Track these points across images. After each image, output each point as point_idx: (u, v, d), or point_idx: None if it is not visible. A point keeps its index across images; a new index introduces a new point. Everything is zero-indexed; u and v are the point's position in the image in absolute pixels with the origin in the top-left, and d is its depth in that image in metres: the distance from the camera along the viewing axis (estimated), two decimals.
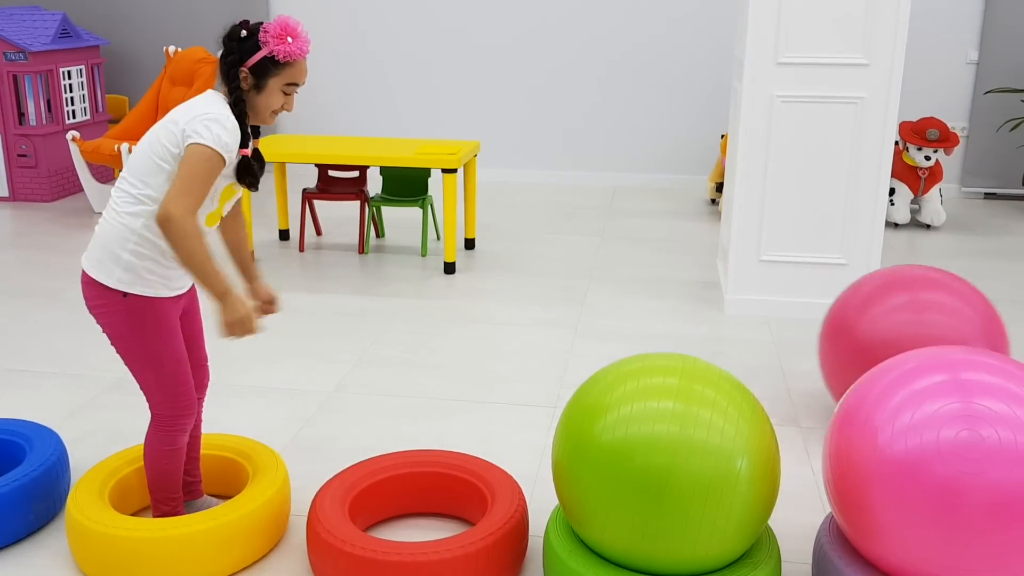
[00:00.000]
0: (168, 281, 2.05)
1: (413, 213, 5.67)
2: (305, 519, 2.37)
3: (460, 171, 5.74)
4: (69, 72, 5.99)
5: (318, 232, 5.22)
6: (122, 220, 2.00)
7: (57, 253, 4.84)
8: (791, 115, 3.76)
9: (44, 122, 5.82)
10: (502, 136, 6.65)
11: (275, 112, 2.06)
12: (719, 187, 5.79)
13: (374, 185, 5.63)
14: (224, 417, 2.99)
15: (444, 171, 4.40)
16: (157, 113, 5.72)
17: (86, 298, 2.07)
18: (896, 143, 5.54)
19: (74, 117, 6.03)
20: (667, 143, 6.51)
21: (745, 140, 3.82)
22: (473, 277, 4.50)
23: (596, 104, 6.51)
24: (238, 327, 2.00)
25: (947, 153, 5.37)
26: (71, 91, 6.01)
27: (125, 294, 2.01)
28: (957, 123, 6.16)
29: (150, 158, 1.97)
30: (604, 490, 1.89)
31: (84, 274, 2.06)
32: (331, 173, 5.02)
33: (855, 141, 3.75)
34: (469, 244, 4.95)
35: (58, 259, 4.73)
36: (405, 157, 4.47)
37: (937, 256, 4.96)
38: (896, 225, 5.54)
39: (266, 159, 4.55)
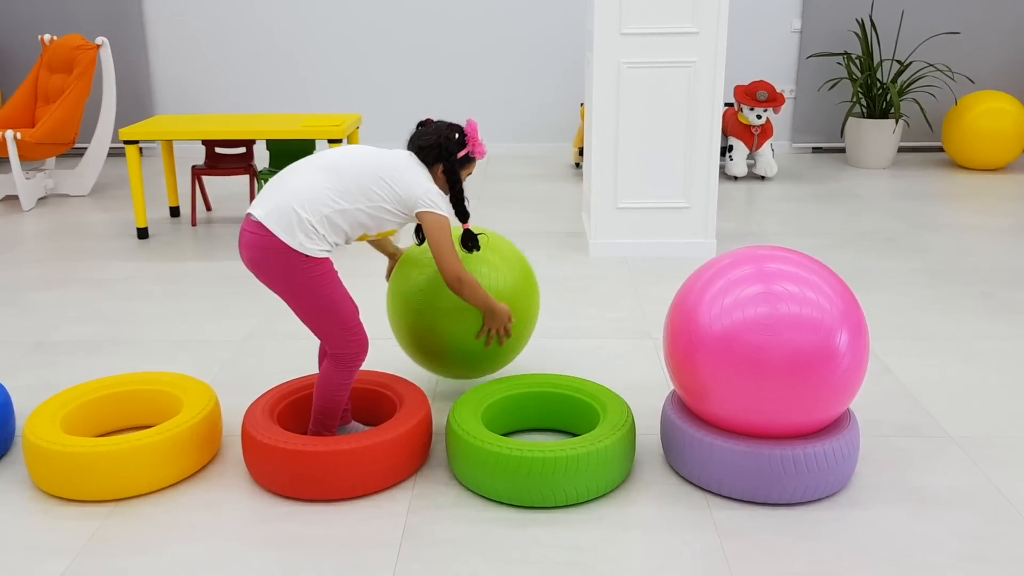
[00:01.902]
0: (331, 251, 2.47)
1: None
2: (237, 439, 2.73)
3: (345, 142, 6.06)
4: None
5: (208, 208, 5.48)
6: (320, 201, 2.40)
7: None
8: (636, 80, 4.30)
9: None
10: (383, 111, 7.01)
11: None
12: (581, 151, 6.34)
13: (262, 160, 5.91)
14: (148, 367, 3.30)
15: (329, 141, 4.76)
16: (36, 101, 5.82)
17: (261, 259, 2.42)
18: (731, 105, 6.22)
19: None
20: (532, 113, 7.02)
21: (598, 103, 4.35)
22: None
23: (466, 78, 6.95)
24: (499, 325, 2.71)
25: (775, 111, 6.07)
26: None
27: (307, 256, 2.38)
28: (785, 85, 6.90)
29: (375, 186, 2.45)
30: None
31: (261, 236, 2.38)
32: (218, 150, 5.29)
33: (690, 100, 4.32)
34: None
35: None
36: (290, 130, 4.80)
37: (771, 201, 5.64)
38: (735, 178, 6.22)
39: (152, 138, 4.81)
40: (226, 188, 5.94)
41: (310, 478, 2.41)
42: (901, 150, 6.97)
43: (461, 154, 2.56)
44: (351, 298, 2.52)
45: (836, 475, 2.42)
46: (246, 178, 5.91)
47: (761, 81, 6.08)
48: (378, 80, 6.97)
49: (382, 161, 2.48)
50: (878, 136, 6.39)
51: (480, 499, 2.44)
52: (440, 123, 2.58)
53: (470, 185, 6.03)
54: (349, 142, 5.21)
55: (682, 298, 2.52)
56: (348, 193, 2.42)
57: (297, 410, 2.70)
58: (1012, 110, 6.19)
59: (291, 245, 2.37)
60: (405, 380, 2.78)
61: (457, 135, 2.56)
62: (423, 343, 2.86)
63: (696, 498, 2.45)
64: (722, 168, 6.41)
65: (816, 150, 7.09)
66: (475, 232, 2.72)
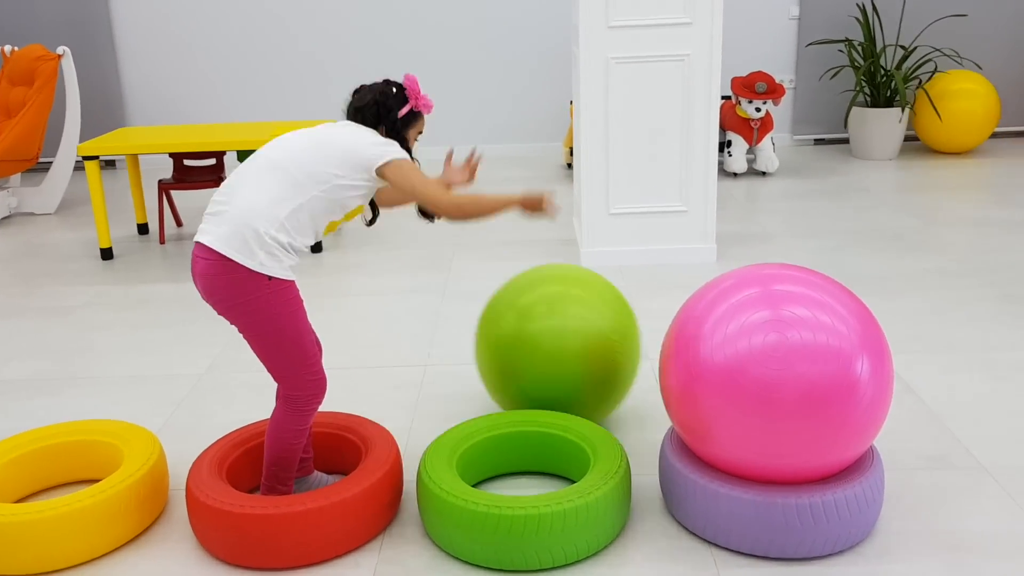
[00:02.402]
0: (295, 266, 2.18)
1: None
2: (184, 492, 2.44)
3: None
4: None
5: (178, 223, 5.19)
6: (272, 203, 2.09)
7: None
8: (625, 75, 4.00)
9: None
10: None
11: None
12: (572, 151, 6.04)
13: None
14: (97, 409, 3.01)
15: None
16: None
17: (215, 289, 2.11)
18: (729, 98, 5.92)
19: None
20: (521, 112, 6.71)
21: (586, 102, 4.05)
22: (340, 254, 4.59)
23: (452, 79, 6.65)
24: (541, 208, 2.33)
25: (775, 104, 5.77)
26: None
27: (270, 278, 2.09)
28: (785, 75, 6.59)
29: (326, 164, 2.12)
30: None
31: (215, 262, 2.08)
32: (187, 162, 5.00)
33: (685, 96, 4.02)
34: None
35: None
36: (259, 140, 4.50)
37: (773, 199, 5.34)
38: (735, 175, 5.92)
39: (113, 153, 4.53)
40: (197, 202, 5.64)
41: (261, 544, 2.12)
42: (908, 139, 6.66)
43: (404, 111, 2.26)
44: (314, 332, 2.23)
45: (860, 524, 2.13)
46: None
47: (759, 72, 5.77)
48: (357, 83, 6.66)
49: (320, 138, 2.18)
50: (883, 126, 6.08)
51: (457, 562, 2.15)
52: (375, 83, 2.28)
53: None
54: None
55: (680, 324, 2.23)
56: (299, 186, 2.11)
57: (250, 462, 2.41)
58: (980, 90, 5.92)
59: (250, 267, 2.07)
60: (370, 422, 2.49)
61: (395, 90, 2.27)
62: (519, 392, 2.59)
63: (700, 553, 2.16)
64: (721, 165, 6.12)
65: (819, 142, 6.79)
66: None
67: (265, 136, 4.53)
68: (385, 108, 2.23)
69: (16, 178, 5.72)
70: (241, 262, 2.07)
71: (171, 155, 4.92)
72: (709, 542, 2.19)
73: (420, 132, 2.34)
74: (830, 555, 2.13)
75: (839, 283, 2.22)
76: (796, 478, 2.12)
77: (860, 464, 2.20)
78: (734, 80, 5.79)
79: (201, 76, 6.64)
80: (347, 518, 2.16)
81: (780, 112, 6.63)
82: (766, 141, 5.83)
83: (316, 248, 4.61)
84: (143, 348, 3.50)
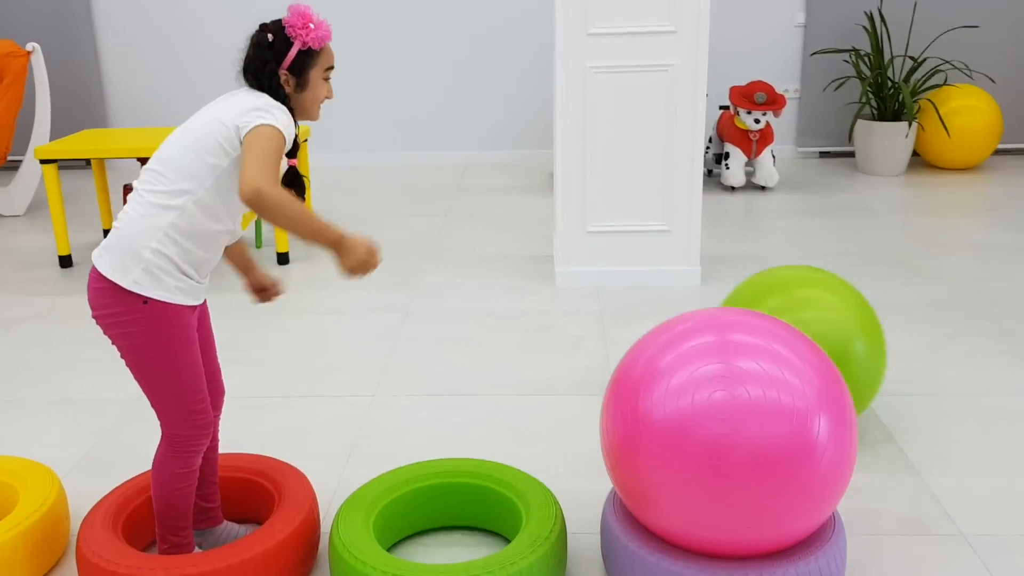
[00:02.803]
0: (187, 288, 1.90)
1: None
2: None
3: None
4: None
5: None
6: (148, 214, 1.85)
7: None
8: (605, 86, 3.77)
9: None
10: (351, 120, 6.51)
11: (320, 104, 1.99)
12: None
13: None
14: (8, 438, 2.82)
15: None
16: None
17: (95, 305, 1.88)
18: (727, 108, 5.67)
19: None
20: (511, 118, 6.49)
21: (562, 113, 3.82)
22: (308, 266, 4.39)
23: (442, 83, 6.44)
24: (361, 267, 1.92)
25: (776, 115, 5.51)
26: None
27: (145, 300, 1.84)
28: (789, 85, 6.34)
29: (197, 152, 1.85)
30: None
31: (95, 277, 1.88)
32: None
33: (668, 108, 3.78)
34: None
35: None
36: None
37: (771, 215, 5.09)
38: (733, 188, 5.67)
39: (70, 156, 4.34)
40: None
41: None
42: (916, 154, 6.39)
43: (291, 56, 1.90)
44: (199, 366, 1.96)
45: None
46: None
47: (759, 82, 5.52)
48: (340, 89, 6.45)
49: (191, 128, 1.90)
50: (890, 140, 5.81)
51: None
52: (262, 25, 1.97)
53: (436, 199, 5.56)
54: (298, 156, 4.72)
55: (624, 369, 2.00)
56: (175, 194, 1.84)
57: (150, 513, 2.20)
58: (982, 106, 5.66)
59: (123, 285, 1.84)
60: (288, 466, 2.27)
61: (272, 37, 1.92)
62: None
63: None
64: (718, 178, 5.87)
65: (824, 155, 6.52)
66: (301, 174, 2.04)
67: None
68: (261, 63, 1.91)
69: None
70: (114, 279, 1.84)
71: (139, 159, 4.73)
72: None
73: (329, 68, 1.97)
74: None
75: (801, 333, 1.99)
76: (746, 552, 1.88)
77: (819, 535, 1.97)
78: (733, 90, 5.54)
79: (184, 77, 6.44)
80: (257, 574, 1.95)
81: (783, 123, 6.37)
82: (766, 154, 5.57)
83: (283, 260, 4.40)
84: (77, 368, 3.30)
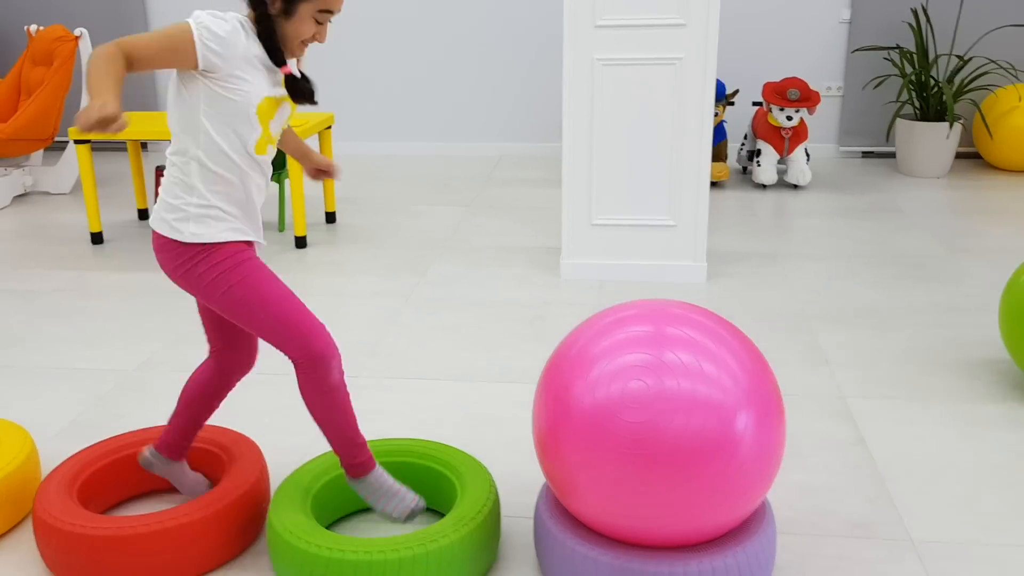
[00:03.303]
0: (238, 228, 1.95)
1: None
2: None
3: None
4: None
5: None
6: (176, 174, 1.92)
7: None
8: (612, 78, 3.77)
9: None
10: (388, 109, 6.61)
11: (305, 43, 1.93)
12: None
13: None
14: (10, 399, 2.97)
15: None
16: (19, 94, 5.61)
17: (165, 266, 1.96)
18: (760, 105, 5.59)
19: None
20: (545, 111, 6.49)
21: (570, 105, 3.83)
22: (326, 251, 4.48)
23: (479, 74, 6.48)
24: (95, 119, 1.66)
25: (810, 112, 5.41)
26: None
27: (203, 246, 1.91)
28: (832, 83, 6.20)
29: (175, 100, 1.89)
30: None
31: (156, 239, 1.96)
32: None
33: (676, 102, 3.76)
34: (330, 217, 4.93)
35: None
36: None
37: (797, 214, 5.01)
38: (764, 186, 5.59)
39: (120, 138, 4.51)
40: None
41: (96, 567, 2.00)
42: (962, 156, 6.20)
43: None
44: (285, 288, 1.97)
45: None
46: None
47: (794, 78, 5.42)
48: (387, 78, 6.55)
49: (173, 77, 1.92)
50: (932, 141, 5.65)
51: None
52: None
53: (462, 189, 5.60)
54: (321, 144, 4.83)
55: (559, 355, 2.01)
56: (180, 146, 1.89)
57: (107, 478, 2.29)
58: None
59: (181, 240, 1.91)
60: (243, 437, 2.35)
61: None
62: None
63: None
64: (750, 175, 5.79)
65: (867, 155, 6.37)
66: (303, 82, 1.99)
67: None
68: None
69: (37, 156, 5.80)
70: (171, 237, 1.92)
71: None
72: None
73: (327, 11, 1.89)
74: None
75: (740, 332, 1.98)
76: (667, 542, 1.89)
77: (744, 529, 1.96)
78: (766, 86, 5.45)
79: None
80: (190, 544, 2.03)
81: (826, 122, 6.25)
82: (798, 152, 5.48)
83: (300, 244, 4.51)
84: (86, 339, 3.44)
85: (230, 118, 1.88)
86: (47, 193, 5.67)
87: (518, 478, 2.42)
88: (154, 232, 1.96)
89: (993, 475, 2.45)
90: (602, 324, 2.01)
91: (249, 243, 2.00)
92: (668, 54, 3.71)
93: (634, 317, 1.99)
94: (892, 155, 6.24)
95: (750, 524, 1.98)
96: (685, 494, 1.82)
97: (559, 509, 2.05)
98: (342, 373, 2.02)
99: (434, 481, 2.24)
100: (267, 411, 2.84)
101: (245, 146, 1.92)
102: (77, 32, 5.41)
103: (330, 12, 1.91)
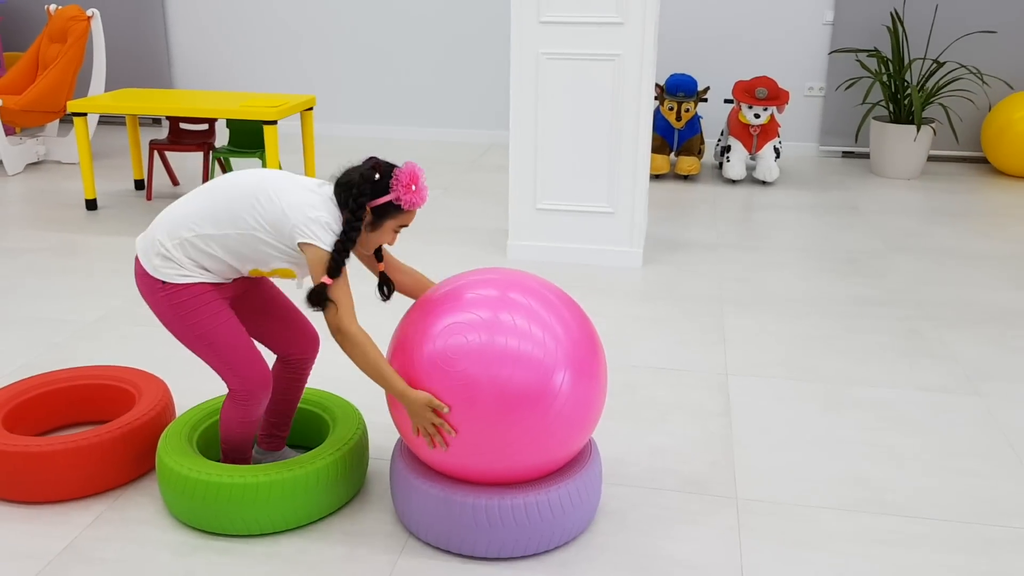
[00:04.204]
0: (205, 273, 2.16)
1: None
2: None
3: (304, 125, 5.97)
4: None
5: (174, 182, 5.52)
6: (179, 220, 2.14)
7: None
8: (556, 71, 4.01)
9: None
10: (383, 93, 6.90)
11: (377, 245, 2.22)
12: None
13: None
14: None
15: (264, 123, 4.68)
16: (37, 70, 6.00)
17: (140, 287, 2.19)
18: (731, 102, 5.78)
19: None
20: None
21: (516, 95, 4.08)
22: None
23: (473, 63, 6.74)
24: (423, 423, 2.09)
25: (779, 111, 5.58)
26: None
27: (164, 283, 2.13)
28: (814, 83, 6.36)
29: (239, 212, 2.10)
30: None
31: (136, 263, 2.19)
32: (182, 126, 5.30)
33: (615, 96, 3.99)
34: None
35: None
36: (227, 109, 4.74)
37: (753, 209, 5.20)
38: (733, 181, 5.78)
39: (102, 111, 4.86)
40: (190, 163, 5.99)
41: (6, 477, 2.33)
42: (936, 159, 6.31)
43: (380, 201, 2.10)
44: (237, 330, 2.21)
45: (541, 532, 2.14)
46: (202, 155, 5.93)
47: (763, 77, 5.60)
48: (378, 64, 6.85)
49: (263, 181, 2.13)
50: (901, 143, 5.79)
51: (174, 521, 2.30)
52: (378, 161, 2.14)
53: (444, 173, 5.86)
54: (303, 125, 5.14)
55: (422, 302, 2.27)
56: (214, 217, 2.12)
57: (35, 408, 2.62)
58: None
59: (147, 269, 2.15)
60: (150, 374, 2.66)
61: (378, 176, 2.10)
62: None
63: (394, 540, 2.22)
64: (720, 170, 5.98)
65: (846, 155, 6.51)
66: (389, 277, 2.32)
67: (234, 106, 4.76)
68: (356, 193, 2.09)
69: (52, 128, 6.19)
70: (142, 263, 2.17)
71: (168, 118, 5.24)
72: (409, 531, 2.25)
73: (404, 225, 2.17)
74: (517, 558, 2.16)
75: (579, 308, 2.24)
76: (491, 479, 2.15)
77: (562, 473, 2.21)
78: (736, 84, 5.64)
79: (243, 46, 6.97)
80: (89, 462, 2.34)
81: (807, 121, 6.41)
82: (767, 149, 5.66)
83: None
84: (58, 293, 3.79)
85: (263, 256, 2.14)
86: (59, 162, 6.07)
87: None
88: (136, 259, 2.19)
89: (835, 448, 2.66)
90: (463, 282, 2.26)
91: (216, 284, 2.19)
92: (607, 50, 3.94)
93: (482, 282, 2.25)
94: (868, 156, 6.38)
95: (571, 468, 2.23)
96: (507, 436, 2.08)
97: (407, 450, 2.31)
98: (262, 408, 2.30)
99: (315, 422, 2.53)
100: (195, 365, 3.15)
101: (244, 264, 2.17)
102: (90, 12, 5.78)
103: (405, 227, 2.18)
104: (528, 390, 2.06)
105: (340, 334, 2.08)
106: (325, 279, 2.07)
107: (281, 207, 2.08)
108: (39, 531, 2.24)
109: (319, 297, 2.08)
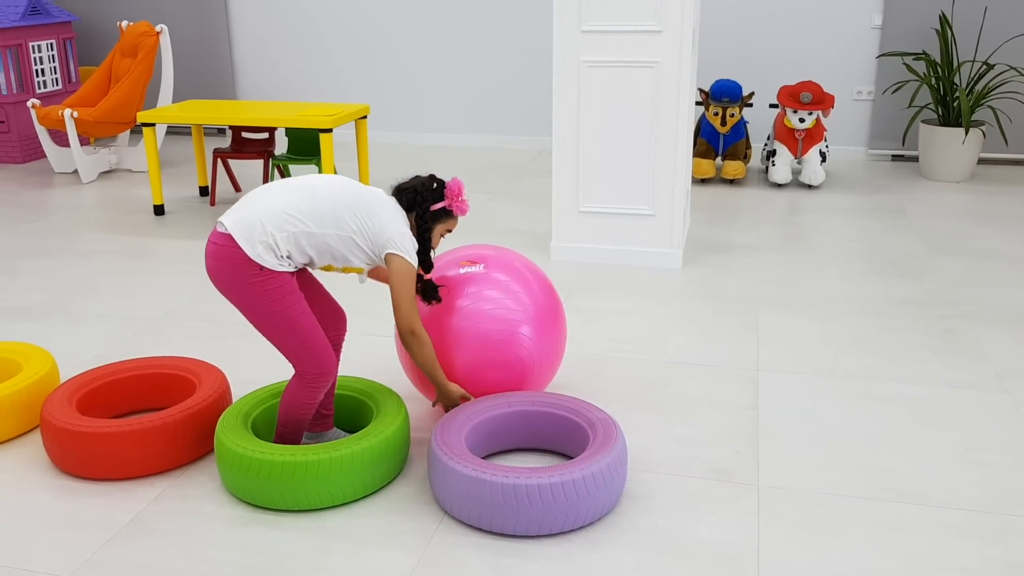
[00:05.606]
0: (289, 263, 2.38)
1: None
2: None
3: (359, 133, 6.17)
4: (39, 46, 6.66)
5: (237, 189, 5.78)
6: (284, 216, 2.34)
7: (11, 207, 5.52)
8: (597, 79, 4.14)
9: (15, 91, 6.51)
10: (436, 102, 7.11)
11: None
12: None
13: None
14: (46, 336, 3.57)
15: (320, 131, 4.90)
16: (110, 83, 6.34)
17: (220, 269, 2.35)
18: (776, 107, 5.84)
19: (44, 87, 6.71)
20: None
21: (559, 102, 4.22)
22: None
23: (526, 69, 6.91)
24: (447, 402, 2.63)
25: (824, 115, 5.63)
26: (41, 63, 6.69)
27: (261, 268, 2.31)
28: (863, 87, 6.38)
29: (342, 216, 2.37)
30: None
31: (223, 246, 2.33)
32: (244, 134, 5.57)
33: (655, 102, 4.11)
34: None
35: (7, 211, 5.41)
36: (283, 118, 4.98)
37: (799, 212, 5.26)
38: (778, 185, 5.84)
39: (168, 121, 5.14)
40: (251, 171, 6.25)
41: (80, 457, 2.54)
42: (986, 162, 6.28)
43: (437, 206, 2.51)
44: (312, 316, 2.44)
45: (568, 511, 2.28)
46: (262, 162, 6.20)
47: (808, 82, 5.65)
48: (438, 74, 7.05)
49: (361, 193, 2.43)
50: (950, 146, 5.79)
51: (230, 497, 2.49)
52: (431, 175, 2.57)
53: (493, 179, 6.05)
54: (358, 132, 5.35)
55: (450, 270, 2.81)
56: (319, 217, 2.35)
57: (102, 394, 2.84)
58: None
59: (248, 255, 2.31)
60: (210, 364, 2.87)
61: (436, 185, 2.53)
62: None
63: (431, 518, 2.38)
64: (765, 174, 6.04)
65: (896, 158, 6.51)
66: (436, 285, 2.64)
67: (291, 115, 4.99)
68: (420, 198, 2.50)
69: (124, 137, 6.53)
70: (243, 247, 2.34)
71: (230, 127, 5.50)
72: (444, 510, 2.41)
73: (449, 230, 2.59)
74: (547, 536, 2.29)
75: (545, 279, 2.79)
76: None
77: (580, 462, 2.33)
78: (781, 89, 5.70)
79: (303, 60, 7.25)
80: (153, 443, 2.54)
81: (857, 125, 6.43)
82: (812, 152, 5.71)
83: None
84: (129, 292, 4.05)
85: (347, 256, 2.41)
86: (129, 170, 6.40)
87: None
88: (229, 239, 2.32)
89: (858, 440, 2.75)
90: (465, 253, 2.82)
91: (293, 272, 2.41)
92: (646, 57, 4.07)
93: (501, 263, 2.79)
94: (917, 159, 6.37)
95: (596, 452, 2.36)
96: (486, 373, 2.63)
97: (441, 433, 2.47)
98: (324, 392, 2.51)
99: (359, 408, 2.71)
100: (251, 356, 3.36)
101: (324, 259, 2.42)
102: (159, 28, 6.09)
103: (450, 231, 2.62)
104: (502, 340, 2.66)
105: (413, 335, 2.47)
106: (420, 274, 2.53)
107: (382, 221, 2.41)
108: (108, 504, 2.45)
109: (434, 291, 2.61)
